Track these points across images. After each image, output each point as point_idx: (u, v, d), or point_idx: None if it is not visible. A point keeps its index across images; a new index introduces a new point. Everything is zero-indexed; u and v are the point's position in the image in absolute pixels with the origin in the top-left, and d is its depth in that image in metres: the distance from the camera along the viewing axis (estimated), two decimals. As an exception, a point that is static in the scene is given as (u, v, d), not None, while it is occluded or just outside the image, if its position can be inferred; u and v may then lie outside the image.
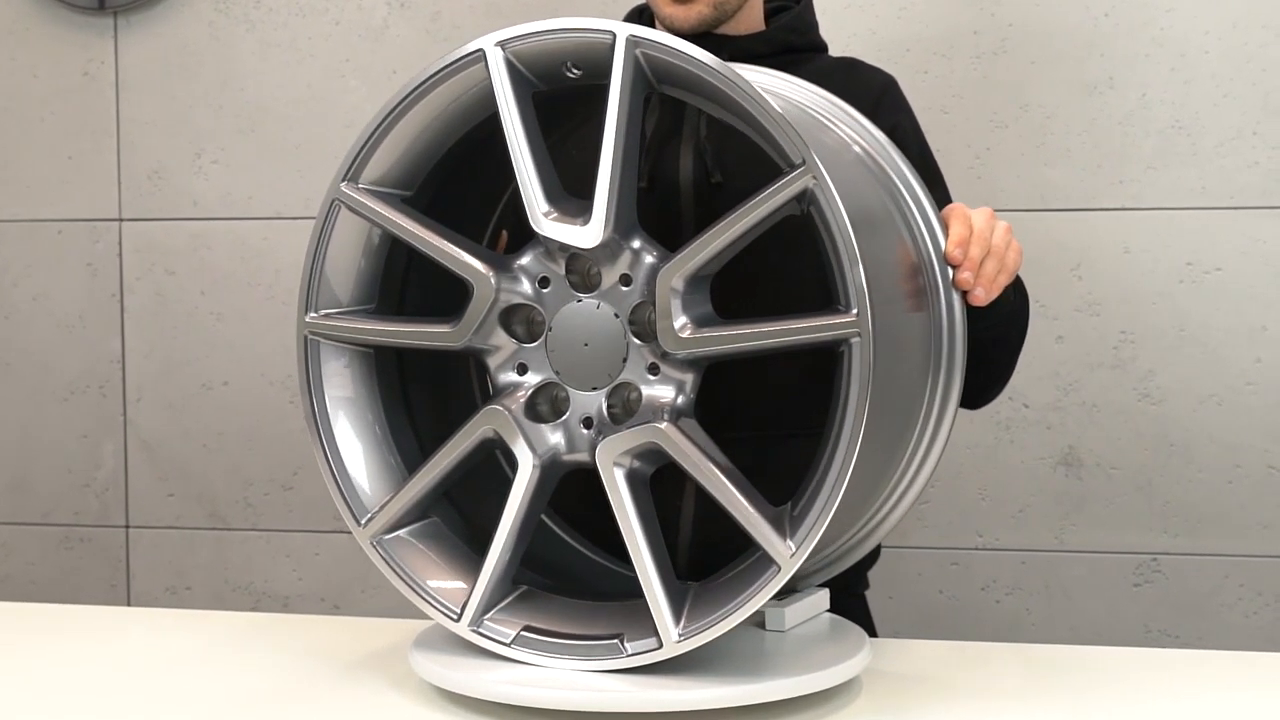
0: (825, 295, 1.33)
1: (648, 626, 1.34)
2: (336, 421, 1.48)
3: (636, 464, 1.37)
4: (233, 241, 2.61)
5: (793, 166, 1.30)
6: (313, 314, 1.46)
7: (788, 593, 1.50)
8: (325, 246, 1.46)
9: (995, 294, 1.48)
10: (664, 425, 1.33)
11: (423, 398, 1.62)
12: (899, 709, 1.36)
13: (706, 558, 1.69)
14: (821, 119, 1.49)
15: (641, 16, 1.89)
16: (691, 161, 1.72)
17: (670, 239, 1.41)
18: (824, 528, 1.27)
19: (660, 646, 1.32)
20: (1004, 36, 2.38)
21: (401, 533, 1.46)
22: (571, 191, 1.43)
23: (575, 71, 1.42)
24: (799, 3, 1.86)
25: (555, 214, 1.38)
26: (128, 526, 2.68)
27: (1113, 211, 2.36)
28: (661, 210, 1.73)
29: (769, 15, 1.86)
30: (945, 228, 1.43)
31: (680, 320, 1.34)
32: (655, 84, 1.41)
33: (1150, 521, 2.39)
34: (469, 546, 1.52)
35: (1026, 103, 2.38)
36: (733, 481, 1.33)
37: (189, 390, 2.64)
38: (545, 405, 1.44)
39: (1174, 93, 2.34)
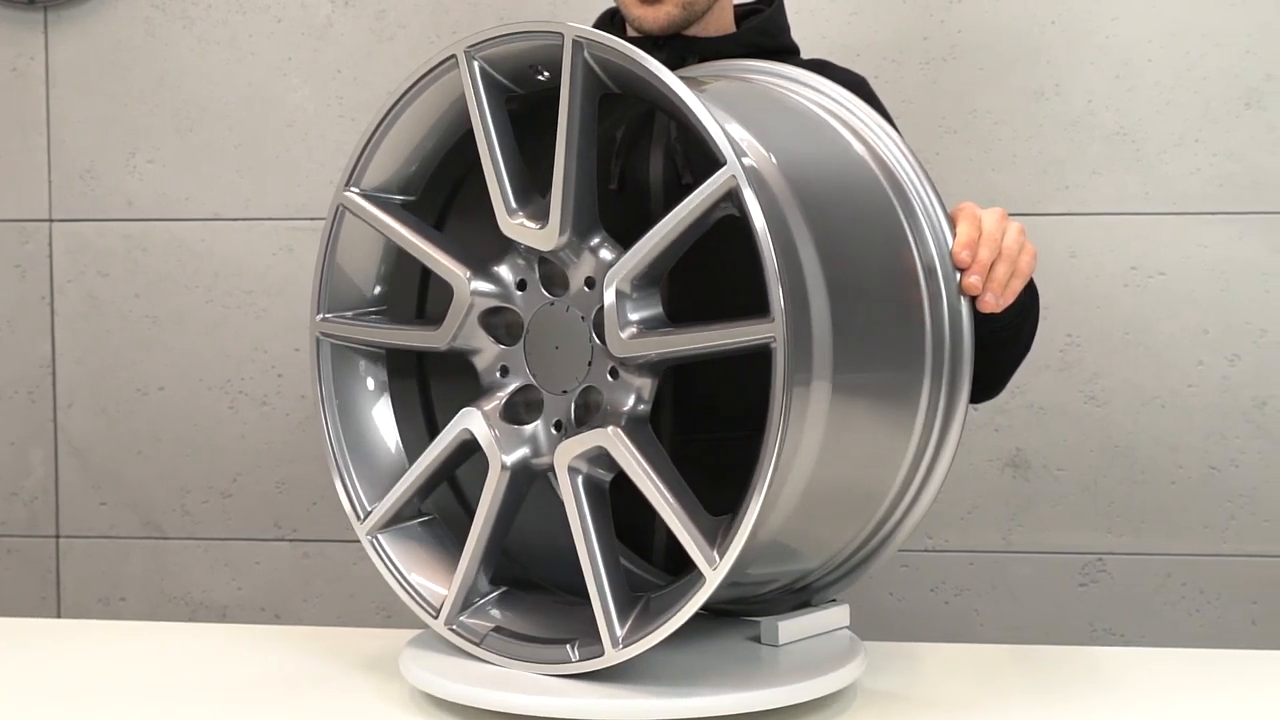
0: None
1: (593, 629, 1.33)
2: (345, 421, 1.51)
3: (592, 469, 1.35)
4: (169, 243, 2.55)
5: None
6: (322, 316, 1.48)
7: (800, 606, 1.48)
8: (332, 250, 1.48)
9: (1009, 300, 1.41)
10: (609, 430, 1.31)
11: (443, 400, 1.62)
12: (899, 715, 1.36)
13: (681, 563, 1.69)
14: (824, 115, 1.49)
15: (614, 19, 1.88)
16: (662, 163, 1.72)
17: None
18: (744, 540, 1.21)
19: (603, 653, 1.30)
20: (953, 43, 2.40)
21: (401, 530, 1.47)
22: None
23: (544, 75, 1.41)
24: (770, 5, 1.87)
25: (521, 216, 1.38)
26: (58, 536, 2.60)
27: (1059, 216, 2.40)
28: (633, 212, 1.73)
29: (740, 18, 1.86)
30: (953, 228, 1.42)
31: (628, 325, 1.32)
32: (612, 86, 1.40)
33: (1095, 522, 2.43)
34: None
35: (975, 108, 2.41)
36: (671, 490, 1.28)
37: (123, 395, 2.57)
38: (523, 408, 1.43)
39: (1118, 100, 2.38)
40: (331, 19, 2.50)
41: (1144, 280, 2.40)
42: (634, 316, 1.32)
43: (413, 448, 1.53)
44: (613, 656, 1.29)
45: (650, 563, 1.70)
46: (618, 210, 1.67)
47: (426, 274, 1.55)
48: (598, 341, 1.36)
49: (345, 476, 1.48)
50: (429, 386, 1.59)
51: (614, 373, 1.35)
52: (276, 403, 2.54)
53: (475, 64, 1.38)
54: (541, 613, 1.43)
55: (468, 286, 1.39)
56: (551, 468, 1.37)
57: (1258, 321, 2.38)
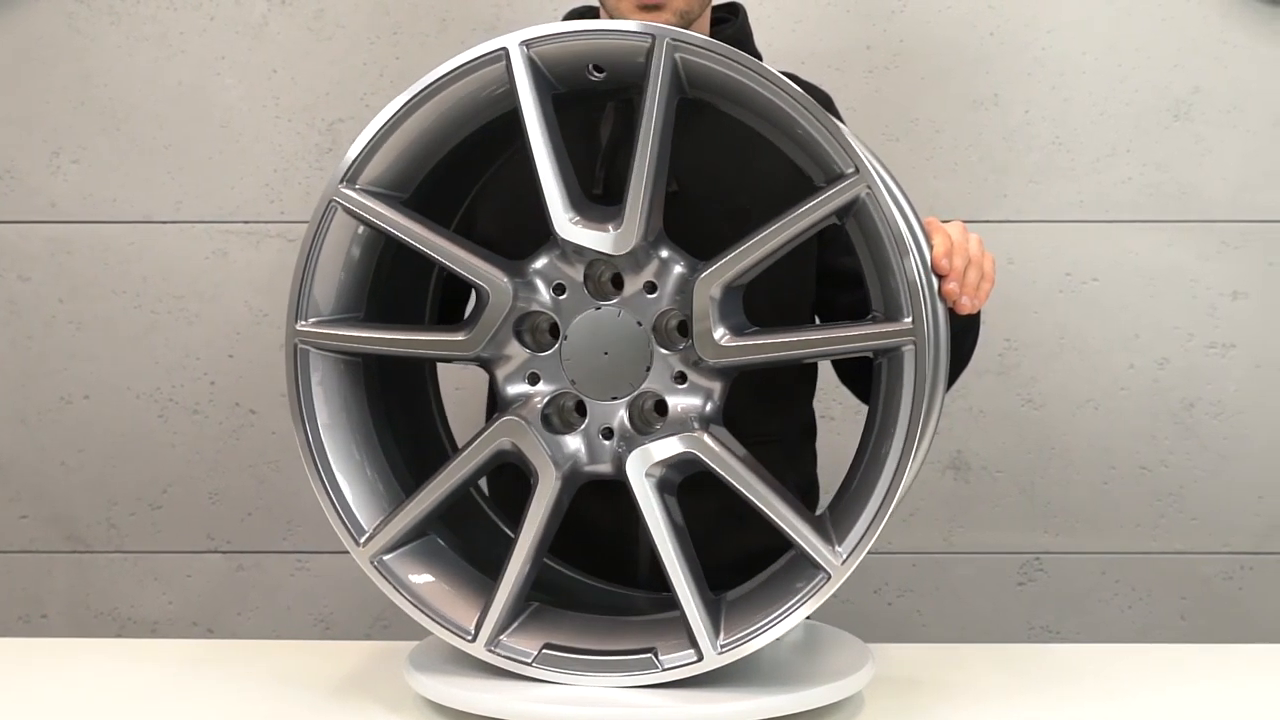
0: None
1: (678, 639, 1.33)
2: (325, 436, 1.42)
3: (667, 474, 1.35)
4: (95, 246, 2.45)
5: (832, 177, 1.31)
6: (303, 322, 1.40)
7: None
8: (319, 251, 1.40)
9: (981, 302, 1.51)
10: (704, 435, 1.32)
11: (398, 410, 1.57)
12: (907, 713, 1.39)
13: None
14: None
15: (588, 17, 1.87)
16: None
17: None
18: (876, 536, 1.29)
19: (700, 659, 1.30)
20: (895, 52, 2.44)
21: (399, 552, 1.41)
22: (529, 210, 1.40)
23: (598, 74, 1.39)
24: (736, 15, 1.90)
25: (580, 220, 1.36)
26: (-25, 552, 2.50)
27: (997, 224, 2.45)
28: (620, 218, 1.72)
29: (711, 26, 1.88)
30: (928, 239, 1.45)
31: (719, 329, 1.33)
32: (687, 88, 1.40)
33: (1033, 522, 2.48)
34: (468, 563, 1.47)
35: (916, 117, 2.45)
36: (772, 490, 1.32)
37: (45, 404, 2.47)
38: (555, 415, 1.41)
39: (1054, 110, 2.45)
40: (267, 17, 2.44)
41: (1078, 286, 2.47)
42: (722, 322, 1.32)
43: (381, 463, 1.46)
44: (713, 660, 1.29)
45: (635, 576, 1.69)
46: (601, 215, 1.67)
47: (390, 278, 1.47)
48: (659, 347, 1.34)
49: (332, 496, 1.40)
50: (389, 398, 1.52)
51: (680, 378, 1.34)
52: (209, 411, 2.47)
53: (525, 59, 1.34)
54: (587, 628, 1.40)
55: (509, 291, 1.34)
56: (601, 475, 1.36)
57: (1185, 326, 2.46)
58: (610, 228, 1.33)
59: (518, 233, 1.57)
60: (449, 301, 1.71)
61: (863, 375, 1.81)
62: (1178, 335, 2.47)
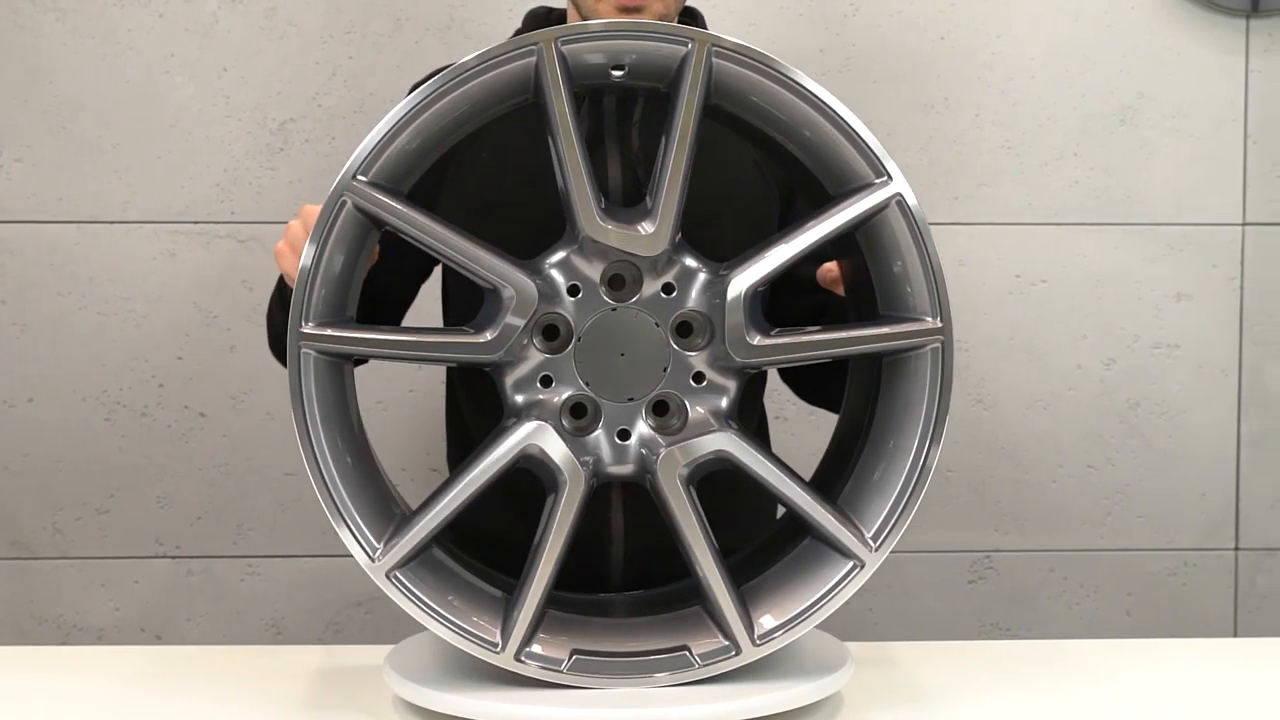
0: None
1: (706, 635, 1.33)
2: (328, 446, 1.36)
3: (694, 472, 1.36)
4: (40, 246, 2.41)
5: (848, 183, 1.33)
6: (309, 325, 1.33)
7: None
8: (327, 248, 1.33)
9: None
10: (728, 433, 1.33)
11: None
12: (888, 711, 1.40)
13: (638, 570, 1.69)
14: None
15: (549, 17, 1.87)
16: (620, 171, 1.72)
17: None
18: (905, 526, 1.36)
19: (737, 653, 1.31)
20: (847, 56, 2.46)
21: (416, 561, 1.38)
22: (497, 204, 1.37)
23: (618, 73, 1.39)
24: (694, 20, 1.90)
25: (611, 221, 1.35)
26: (-86, 559, 2.44)
27: (948, 226, 2.48)
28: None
29: None
30: None
31: (750, 329, 1.35)
32: (711, 93, 1.40)
33: (983, 521, 2.52)
34: (469, 573, 1.45)
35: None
36: (799, 483, 1.35)
37: (-12, 408, 2.42)
38: (566, 418, 1.40)
39: (1003, 114, 2.48)
40: (218, 15, 2.41)
41: (1027, 288, 2.50)
42: (751, 322, 1.34)
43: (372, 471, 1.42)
44: (750, 653, 1.31)
45: (607, 578, 1.69)
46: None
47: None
48: (677, 348, 1.35)
49: (344, 511, 1.33)
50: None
51: (699, 378, 1.35)
52: (158, 414, 2.43)
53: (557, 56, 1.32)
54: (608, 631, 1.39)
55: (535, 293, 1.33)
56: (622, 476, 1.36)
57: (1131, 327, 2.51)
58: (641, 229, 1.33)
59: (484, 216, 1.57)
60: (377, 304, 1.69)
61: (812, 377, 1.83)
62: (1124, 336, 2.51)
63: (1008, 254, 2.49)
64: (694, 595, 1.52)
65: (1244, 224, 2.50)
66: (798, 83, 1.34)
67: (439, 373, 2.29)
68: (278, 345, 1.78)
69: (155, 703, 1.42)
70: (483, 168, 1.73)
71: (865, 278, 1.43)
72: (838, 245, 1.42)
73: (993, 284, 2.49)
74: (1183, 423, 2.52)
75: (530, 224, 1.49)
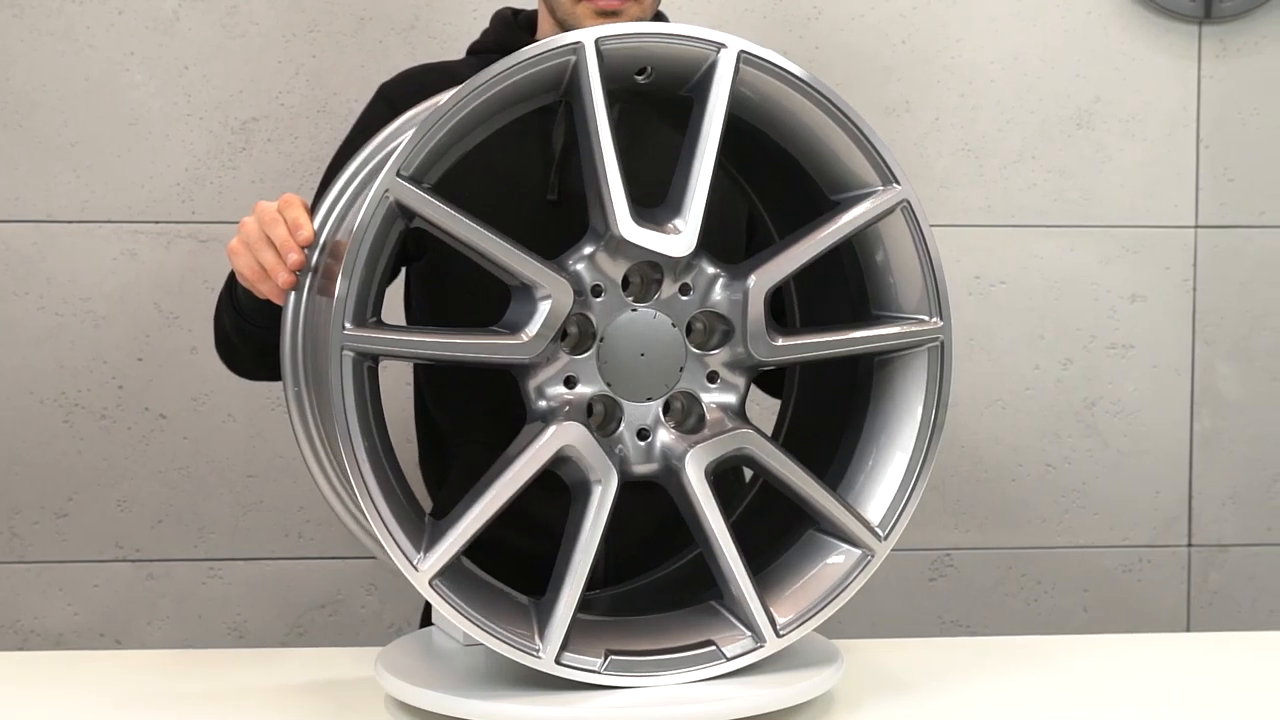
0: None
1: (726, 629, 1.36)
2: (366, 450, 1.31)
3: (717, 469, 1.39)
4: (-4, 246, 2.37)
5: (852, 188, 1.37)
6: (352, 326, 1.29)
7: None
8: (367, 246, 1.29)
9: None
10: (748, 431, 1.36)
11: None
12: (879, 709, 1.42)
13: (618, 569, 1.70)
14: None
15: (516, 18, 1.87)
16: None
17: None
18: (909, 518, 1.41)
19: (761, 645, 1.35)
20: (810, 58, 2.48)
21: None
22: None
23: (643, 76, 1.40)
24: (661, 20, 1.91)
25: (643, 221, 1.36)
26: None
27: (909, 228, 2.50)
28: (572, 223, 1.72)
29: None
30: None
31: (770, 329, 1.39)
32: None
33: (944, 519, 2.55)
34: (493, 579, 1.44)
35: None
36: (811, 476, 1.39)
37: (-57, 410, 2.38)
38: (591, 418, 1.40)
39: (963, 117, 2.51)
40: (178, 13, 2.38)
41: (986, 289, 2.54)
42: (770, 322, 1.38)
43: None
44: (774, 645, 1.35)
45: (591, 575, 1.70)
46: (557, 222, 1.67)
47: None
48: (694, 348, 1.37)
49: (385, 519, 1.29)
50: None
51: (713, 377, 1.38)
52: (117, 416, 2.40)
53: (595, 56, 1.32)
54: (634, 629, 1.40)
55: (570, 294, 1.34)
56: (645, 476, 1.37)
57: (1087, 328, 2.55)
58: (670, 230, 1.34)
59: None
60: None
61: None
62: (1080, 337, 2.55)
63: (967, 255, 2.53)
64: (678, 588, 1.55)
65: (1196, 227, 2.55)
66: (819, 91, 1.39)
67: (404, 371, 2.28)
68: (225, 345, 1.76)
69: (125, 709, 1.40)
70: (454, 169, 1.72)
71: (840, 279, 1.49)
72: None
73: (953, 285, 2.48)
74: (1137, 422, 2.56)
75: (502, 226, 1.48)
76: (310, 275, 1.46)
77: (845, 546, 1.41)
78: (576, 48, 1.31)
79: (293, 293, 1.48)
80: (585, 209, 1.71)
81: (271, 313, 1.57)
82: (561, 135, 1.73)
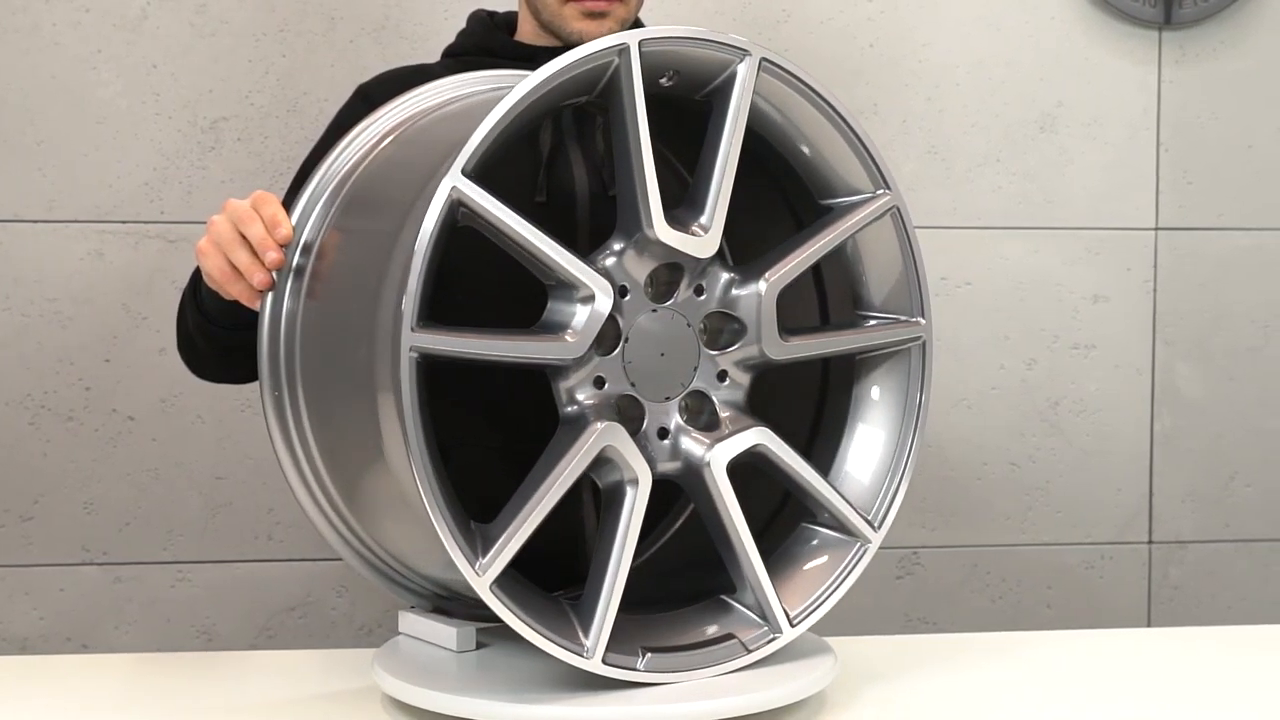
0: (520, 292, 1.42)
1: (740, 621, 1.40)
2: (430, 455, 1.28)
3: (733, 466, 1.41)
4: (-40, 246, 2.34)
5: (843, 193, 1.42)
6: (417, 330, 1.25)
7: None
8: (431, 245, 1.25)
9: None
10: (765, 428, 1.40)
11: None
12: (872, 706, 1.45)
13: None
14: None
15: (494, 19, 1.87)
16: (586, 175, 1.73)
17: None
18: (899, 504, 1.50)
19: (777, 635, 1.40)
20: (780, 61, 2.49)
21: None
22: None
23: (668, 80, 1.41)
24: (638, 24, 1.93)
25: (673, 223, 1.37)
26: None
27: (877, 229, 2.53)
28: (560, 223, 1.73)
29: None
30: None
31: (782, 330, 1.43)
32: None
33: (911, 517, 2.57)
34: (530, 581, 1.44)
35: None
36: (816, 470, 1.44)
37: (-95, 412, 2.35)
38: (620, 418, 1.41)
39: (930, 120, 2.54)
40: (147, 11, 2.36)
41: (953, 290, 2.57)
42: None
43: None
44: (789, 634, 1.39)
45: (577, 572, 1.70)
46: (545, 224, 1.67)
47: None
48: (705, 347, 1.40)
49: (448, 524, 1.26)
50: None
51: (722, 375, 1.40)
52: (84, 418, 2.38)
53: (638, 57, 1.33)
54: (659, 625, 1.42)
55: (611, 295, 1.34)
56: (667, 475, 1.39)
57: (1051, 328, 2.59)
58: (696, 231, 1.36)
59: None
60: None
61: None
62: (1044, 337, 2.59)
63: (933, 257, 2.53)
64: (664, 577, 1.57)
65: (1157, 229, 2.60)
66: (826, 99, 1.42)
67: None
68: (188, 347, 1.73)
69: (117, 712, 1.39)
70: None
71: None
72: None
73: (919, 286, 2.55)
74: (1100, 421, 2.60)
75: None
76: (289, 276, 1.44)
77: (837, 538, 1.47)
78: (622, 49, 1.32)
79: (270, 294, 1.46)
80: (574, 208, 1.72)
81: (239, 315, 1.54)
82: (549, 137, 1.74)
